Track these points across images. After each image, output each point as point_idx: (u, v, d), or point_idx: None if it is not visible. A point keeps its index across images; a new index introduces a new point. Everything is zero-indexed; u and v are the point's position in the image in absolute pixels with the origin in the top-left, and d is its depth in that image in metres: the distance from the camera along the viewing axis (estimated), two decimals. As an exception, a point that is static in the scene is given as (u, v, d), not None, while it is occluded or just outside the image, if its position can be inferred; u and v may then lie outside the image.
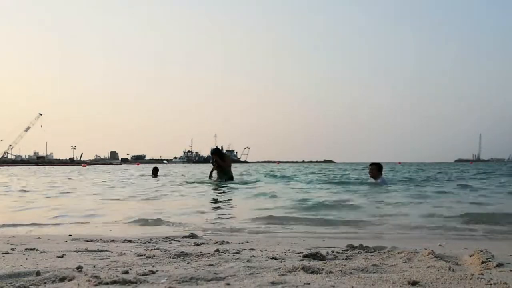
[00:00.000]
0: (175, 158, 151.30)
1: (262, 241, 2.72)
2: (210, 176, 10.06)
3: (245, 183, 9.84)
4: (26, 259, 1.87)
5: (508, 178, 12.02)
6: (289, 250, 2.17)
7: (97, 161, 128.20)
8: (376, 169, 8.15)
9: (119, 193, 7.47)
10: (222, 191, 7.65)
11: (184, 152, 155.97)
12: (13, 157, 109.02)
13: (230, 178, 9.81)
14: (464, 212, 4.34)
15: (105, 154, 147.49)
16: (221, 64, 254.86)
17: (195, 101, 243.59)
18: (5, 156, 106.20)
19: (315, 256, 1.89)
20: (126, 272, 1.55)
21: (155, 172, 14.48)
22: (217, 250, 2.07)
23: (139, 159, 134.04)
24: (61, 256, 1.94)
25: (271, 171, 21.22)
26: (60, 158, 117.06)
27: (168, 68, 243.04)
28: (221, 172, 9.77)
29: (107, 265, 1.71)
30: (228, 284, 1.40)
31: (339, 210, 4.70)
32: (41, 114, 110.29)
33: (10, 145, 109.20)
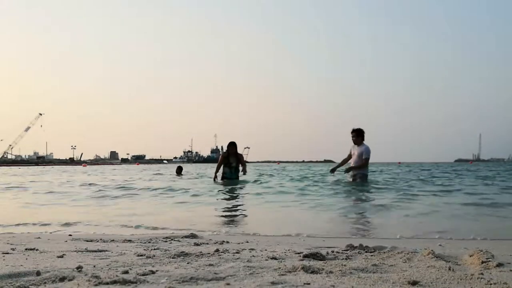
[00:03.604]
0: (175, 158, 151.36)
1: (262, 241, 2.72)
2: (216, 177, 9.19)
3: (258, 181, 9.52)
4: (26, 259, 1.87)
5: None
6: (289, 250, 2.17)
7: (97, 161, 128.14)
8: (356, 135, 7.86)
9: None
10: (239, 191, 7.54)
11: (184, 152, 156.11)
12: (13, 157, 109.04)
13: (237, 177, 9.16)
14: (464, 211, 4.34)
15: (105, 154, 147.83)
16: (221, 64, 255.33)
17: (195, 101, 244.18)
18: (5, 156, 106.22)
19: (315, 256, 1.89)
20: (126, 272, 1.55)
21: (179, 171, 14.90)
22: (217, 250, 2.07)
23: (139, 159, 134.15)
24: (61, 256, 1.94)
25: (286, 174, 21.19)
26: (60, 158, 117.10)
27: (168, 68, 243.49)
28: (232, 168, 9.03)
29: (107, 265, 1.71)
30: (228, 284, 1.40)
31: (338, 208, 4.70)
32: (41, 114, 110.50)
33: (10, 145, 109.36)
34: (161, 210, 4.97)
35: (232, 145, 9.03)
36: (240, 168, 9.25)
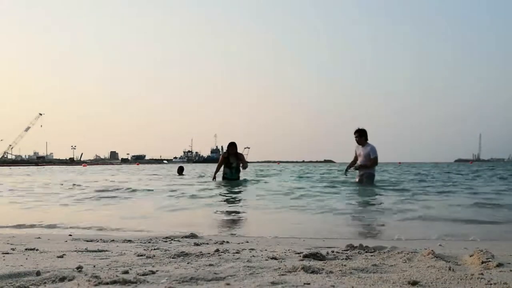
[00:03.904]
0: (175, 158, 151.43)
1: (262, 241, 2.72)
2: (215, 177, 9.13)
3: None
4: (26, 259, 1.87)
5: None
6: (289, 250, 2.16)
7: (97, 161, 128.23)
8: (359, 135, 7.77)
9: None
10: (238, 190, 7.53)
11: (184, 152, 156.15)
12: (13, 157, 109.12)
13: (238, 178, 9.07)
14: (464, 211, 4.34)
15: (105, 154, 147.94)
16: (221, 64, 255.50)
17: (195, 101, 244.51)
18: (5, 156, 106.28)
19: (315, 256, 1.89)
20: (126, 272, 1.55)
21: (180, 171, 15.11)
22: (217, 250, 2.07)
23: (139, 159, 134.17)
24: (61, 256, 1.94)
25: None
26: (60, 158, 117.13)
27: (168, 68, 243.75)
28: (232, 169, 8.92)
29: (107, 265, 1.70)
30: (228, 284, 1.40)
31: (340, 209, 4.70)
32: (41, 114, 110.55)
33: (10, 145, 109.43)
34: (156, 213, 4.97)
35: (232, 145, 8.93)
36: (241, 168, 9.14)
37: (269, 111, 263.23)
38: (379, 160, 7.91)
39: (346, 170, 8.56)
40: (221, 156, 9.21)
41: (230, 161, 8.94)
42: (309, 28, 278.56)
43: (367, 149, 7.77)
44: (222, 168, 9.12)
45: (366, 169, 7.85)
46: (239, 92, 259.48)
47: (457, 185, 9.04)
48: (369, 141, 7.92)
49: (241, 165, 9.08)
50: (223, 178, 9.00)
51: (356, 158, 8.04)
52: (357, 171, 8.08)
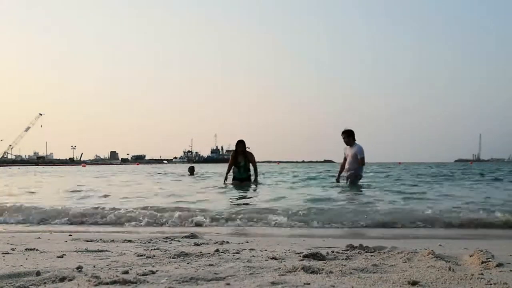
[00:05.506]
0: (175, 158, 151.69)
1: (262, 241, 2.72)
2: (227, 178, 8.68)
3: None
4: (26, 259, 1.87)
5: None
6: (289, 250, 2.17)
7: (97, 161, 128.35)
8: (347, 136, 7.72)
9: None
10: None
11: (184, 152, 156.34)
12: (13, 157, 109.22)
13: (249, 177, 8.68)
14: (463, 211, 4.33)
15: (105, 154, 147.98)
16: (221, 64, 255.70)
17: (195, 101, 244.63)
18: (5, 156, 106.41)
19: (315, 256, 1.89)
20: (126, 272, 1.55)
21: (191, 171, 15.07)
22: (217, 250, 2.07)
23: (139, 159, 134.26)
24: (61, 256, 1.94)
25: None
26: (60, 158, 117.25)
27: (168, 68, 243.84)
28: (240, 168, 8.55)
29: (107, 265, 1.71)
30: (228, 284, 1.40)
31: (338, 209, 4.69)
32: (41, 114, 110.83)
33: (10, 145, 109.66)
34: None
35: (240, 143, 8.56)
36: (251, 167, 8.70)
37: (269, 111, 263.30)
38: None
39: (338, 179, 8.43)
40: (230, 157, 8.76)
41: (238, 160, 8.57)
42: (309, 28, 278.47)
43: (354, 149, 7.73)
44: (237, 167, 8.73)
45: (352, 170, 7.83)
46: (239, 92, 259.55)
47: (457, 185, 9.04)
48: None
49: (252, 172, 8.71)
50: (233, 178, 8.62)
51: (345, 160, 8.01)
52: (346, 173, 8.01)
